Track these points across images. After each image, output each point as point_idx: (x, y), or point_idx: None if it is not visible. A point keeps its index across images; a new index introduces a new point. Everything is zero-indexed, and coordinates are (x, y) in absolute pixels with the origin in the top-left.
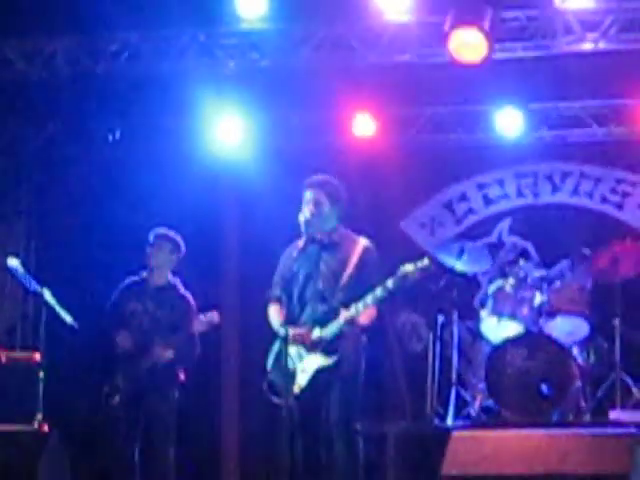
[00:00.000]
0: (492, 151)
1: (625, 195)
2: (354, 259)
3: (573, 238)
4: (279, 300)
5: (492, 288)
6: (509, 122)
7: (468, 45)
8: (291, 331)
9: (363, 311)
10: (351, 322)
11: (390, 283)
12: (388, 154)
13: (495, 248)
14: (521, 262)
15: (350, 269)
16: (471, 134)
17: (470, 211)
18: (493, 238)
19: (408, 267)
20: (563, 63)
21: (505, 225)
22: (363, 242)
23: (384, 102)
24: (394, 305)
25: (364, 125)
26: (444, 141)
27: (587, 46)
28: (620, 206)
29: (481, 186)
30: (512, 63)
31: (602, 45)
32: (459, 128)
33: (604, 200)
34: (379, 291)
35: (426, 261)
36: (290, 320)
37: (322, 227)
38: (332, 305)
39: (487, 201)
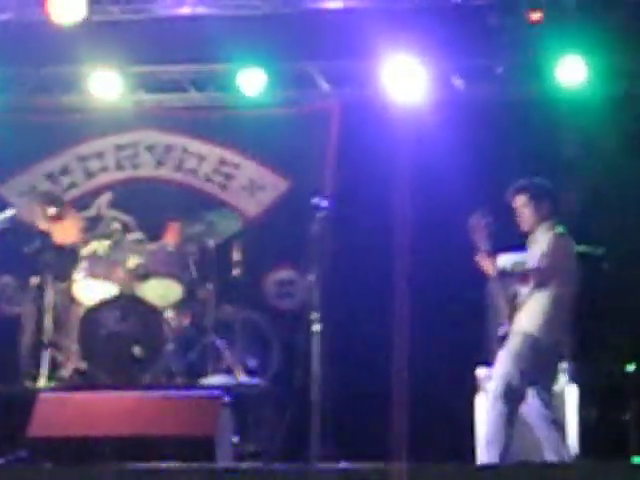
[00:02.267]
0: (92, 115)
1: (229, 176)
2: None
3: (175, 214)
4: None
5: (86, 250)
6: (105, 84)
7: (66, 6)
8: None
9: None
10: None
11: None
12: None
13: (94, 222)
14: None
15: None
16: (70, 96)
17: (72, 185)
18: (92, 212)
19: None
20: (161, 26)
21: (105, 199)
22: None
23: None
24: None
25: None
26: (42, 102)
27: (185, 11)
28: (224, 186)
29: (82, 159)
30: (110, 25)
31: (200, 10)
32: (56, 89)
33: (208, 179)
34: None
35: (12, 211)
36: None
37: None
38: None
39: (88, 175)
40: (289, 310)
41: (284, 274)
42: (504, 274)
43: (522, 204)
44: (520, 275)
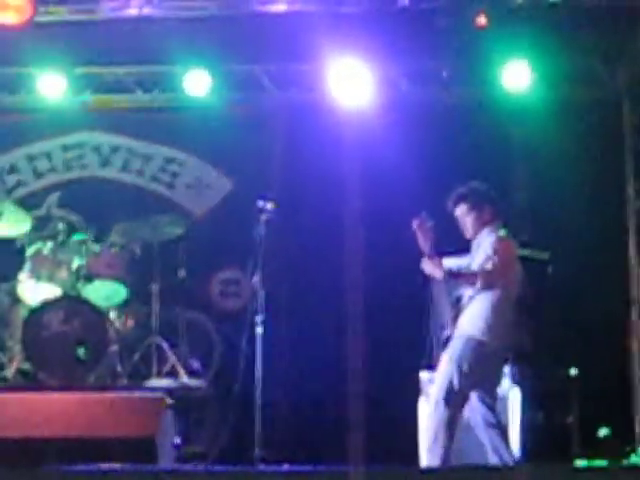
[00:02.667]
0: (38, 115)
1: (175, 175)
2: None
3: (121, 215)
4: None
5: (30, 251)
6: (51, 85)
7: (10, 7)
8: None
9: None
10: None
11: None
12: None
13: (43, 221)
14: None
15: None
16: (14, 97)
17: (20, 183)
18: (42, 211)
19: None
20: (107, 28)
21: (54, 199)
22: None
23: None
24: None
25: None
26: None
27: (131, 12)
28: (171, 185)
29: (30, 158)
30: (56, 26)
31: (146, 11)
32: (2, 90)
33: (154, 178)
34: None
35: None
36: None
37: None
38: None
39: (36, 174)
40: (233, 311)
41: (229, 274)
42: (449, 276)
43: (463, 213)
44: (466, 277)
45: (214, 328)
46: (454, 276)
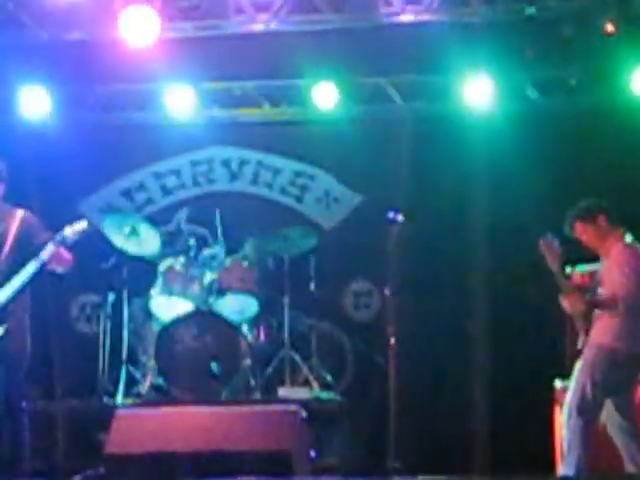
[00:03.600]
0: (166, 131)
1: (304, 189)
2: (13, 230)
3: (251, 228)
4: None
5: (162, 266)
6: (180, 101)
7: (139, 24)
8: None
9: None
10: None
11: (45, 254)
12: (63, 133)
13: (174, 236)
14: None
15: (10, 241)
16: (143, 113)
17: (149, 201)
18: (172, 227)
19: (66, 230)
20: (235, 42)
21: (183, 214)
22: (20, 213)
23: (58, 79)
24: (74, 286)
25: (36, 103)
26: (117, 119)
27: (258, 27)
28: (299, 199)
29: (158, 176)
30: (184, 42)
31: (273, 26)
32: (131, 107)
33: (283, 192)
34: (32, 265)
35: (84, 223)
36: None
37: None
38: None
39: (165, 191)
40: (365, 322)
41: (361, 285)
42: (590, 307)
43: (581, 232)
44: (605, 305)
45: (346, 340)
46: (594, 307)
